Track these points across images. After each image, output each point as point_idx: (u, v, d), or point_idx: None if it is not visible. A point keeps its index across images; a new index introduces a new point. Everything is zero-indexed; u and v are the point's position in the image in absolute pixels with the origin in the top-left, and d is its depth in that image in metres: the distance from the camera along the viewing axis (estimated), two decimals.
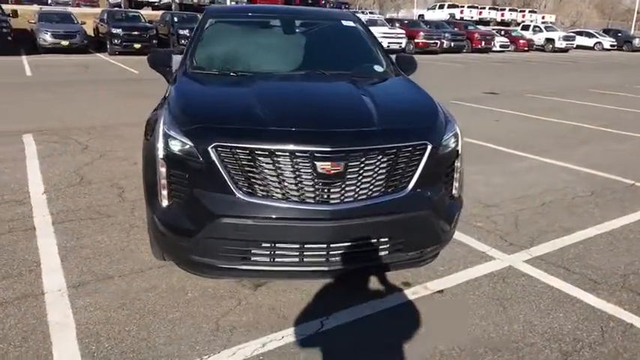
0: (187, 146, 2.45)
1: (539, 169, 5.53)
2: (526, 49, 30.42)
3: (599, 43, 35.98)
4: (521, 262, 3.32)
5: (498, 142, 6.63)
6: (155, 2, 27.85)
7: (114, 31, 17.66)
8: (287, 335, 2.48)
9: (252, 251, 2.48)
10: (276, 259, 2.49)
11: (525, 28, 33.47)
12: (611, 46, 35.58)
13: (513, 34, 31.33)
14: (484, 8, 39.85)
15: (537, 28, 33.02)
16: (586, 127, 8.00)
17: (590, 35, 36.91)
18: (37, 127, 6.61)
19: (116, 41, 17.57)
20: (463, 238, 3.62)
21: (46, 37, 16.91)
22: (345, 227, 2.43)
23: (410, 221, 2.57)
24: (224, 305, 2.71)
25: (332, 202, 2.42)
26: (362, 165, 2.43)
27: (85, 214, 3.89)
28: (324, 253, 2.47)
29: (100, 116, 7.50)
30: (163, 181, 2.53)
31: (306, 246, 2.46)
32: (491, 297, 2.90)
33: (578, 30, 39.21)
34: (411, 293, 2.90)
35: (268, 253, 2.48)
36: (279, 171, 2.37)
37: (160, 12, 23.44)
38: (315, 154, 2.35)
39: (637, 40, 36.19)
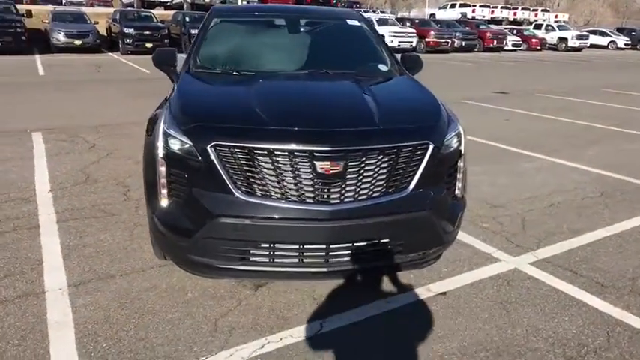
0: (187, 145, 2.44)
1: (549, 170, 5.44)
2: (538, 48, 30.07)
3: (613, 42, 35.43)
4: (527, 265, 3.26)
5: (507, 142, 6.54)
6: (167, 2, 28.07)
7: (126, 30, 17.81)
8: (285, 337, 2.45)
9: (251, 251, 2.46)
10: (276, 260, 2.47)
11: (538, 27, 33.08)
12: (625, 45, 35.02)
13: (525, 33, 31.00)
14: (496, 7, 39.47)
15: (550, 27, 32.62)
16: (597, 127, 7.86)
17: (603, 34, 36.37)
18: (46, 125, 6.68)
19: (128, 41, 17.72)
20: (468, 239, 3.57)
21: (60, 37, 17.12)
22: (344, 228, 2.40)
23: (411, 222, 2.53)
24: (224, 305, 2.70)
25: (331, 202, 2.39)
26: (362, 165, 2.39)
27: (89, 212, 3.91)
28: (324, 254, 2.45)
29: (110, 115, 7.56)
30: (163, 181, 2.53)
31: (305, 246, 2.43)
32: (495, 300, 2.84)
33: (591, 29, 38.66)
34: (413, 295, 2.86)
35: (267, 253, 2.46)
36: (278, 171, 2.35)
37: (172, 12, 23.61)
38: (315, 154, 2.32)
39: None
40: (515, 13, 39.89)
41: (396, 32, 23.30)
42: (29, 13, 19.14)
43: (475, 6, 38.12)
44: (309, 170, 2.33)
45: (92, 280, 2.92)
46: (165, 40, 18.19)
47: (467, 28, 27.14)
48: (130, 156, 5.38)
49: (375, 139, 2.43)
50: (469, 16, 35.94)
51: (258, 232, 2.40)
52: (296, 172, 2.34)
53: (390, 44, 22.22)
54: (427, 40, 24.18)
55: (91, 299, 2.73)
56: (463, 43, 25.50)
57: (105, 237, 3.48)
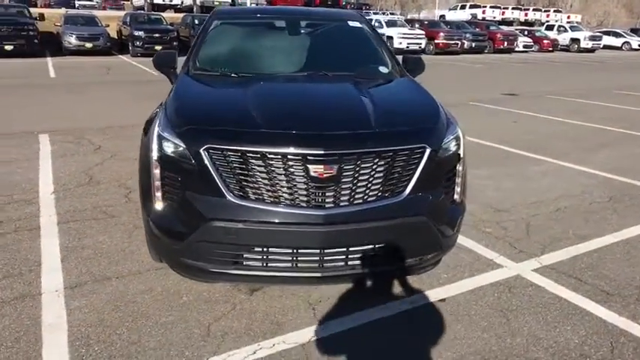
0: (180, 148, 2.42)
1: (556, 173, 5.34)
2: (550, 49, 29.71)
3: (627, 42, 34.88)
4: (530, 271, 3.18)
5: (514, 145, 6.43)
6: (177, 5, 28.30)
7: (136, 33, 17.99)
8: (279, 343, 2.42)
9: (245, 255, 2.43)
10: (269, 264, 2.43)
11: (549, 28, 32.70)
12: (639, 45, 34.43)
13: (537, 34, 30.65)
14: (507, 8, 39.11)
15: (562, 28, 32.22)
16: (608, 130, 7.71)
17: (617, 35, 35.82)
18: (54, 127, 6.74)
19: (138, 43, 17.88)
20: (470, 245, 3.50)
21: (71, 40, 17.34)
22: (339, 232, 2.36)
23: (408, 227, 2.47)
24: (218, 310, 2.67)
25: (326, 206, 2.35)
26: (357, 168, 2.35)
27: (90, 214, 3.92)
28: (318, 259, 2.40)
29: (117, 117, 7.60)
30: (157, 183, 2.51)
31: (299, 251, 2.39)
32: (495, 307, 2.77)
33: (605, 30, 38.09)
34: (410, 302, 2.80)
35: (261, 257, 2.42)
36: (271, 174, 2.32)
37: (182, 14, 23.78)
38: (308, 157, 2.28)
39: None
40: (526, 14, 39.48)
41: (404, 34, 23.19)
42: (42, 17, 19.43)
43: (485, 7, 37.83)
44: (302, 174, 2.29)
45: (88, 282, 2.92)
46: (175, 43, 18.31)
47: (477, 29, 26.93)
48: (134, 157, 5.33)
49: (370, 142, 2.39)
50: (479, 17, 35.68)
51: (252, 236, 2.37)
52: (289, 176, 2.30)
53: (398, 46, 22.20)
54: (436, 41, 24.02)
55: (86, 302, 2.72)
56: (473, 45, 25.30)
57: (104, 239, 3.48)
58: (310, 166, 2.28)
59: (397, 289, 2.91)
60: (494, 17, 36.26)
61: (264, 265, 2.43)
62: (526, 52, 28.13)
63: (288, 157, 2.29)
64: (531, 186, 4.89)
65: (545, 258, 3.37)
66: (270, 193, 2.33)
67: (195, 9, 25.85)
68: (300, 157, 2.28)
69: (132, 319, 2.58)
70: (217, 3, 25.27)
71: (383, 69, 3.57)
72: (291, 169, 2.30)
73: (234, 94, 2.92)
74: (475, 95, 10.65)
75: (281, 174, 2.31)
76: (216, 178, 2.34)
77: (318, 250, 2.38)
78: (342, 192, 2.35)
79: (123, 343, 2.38)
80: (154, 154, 2.51)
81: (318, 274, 2.45)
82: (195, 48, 3.57)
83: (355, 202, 2.38)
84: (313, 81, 3.24)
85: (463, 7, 38.89)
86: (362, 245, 2.44)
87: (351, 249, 2.42)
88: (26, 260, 3.16)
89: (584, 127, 7.89)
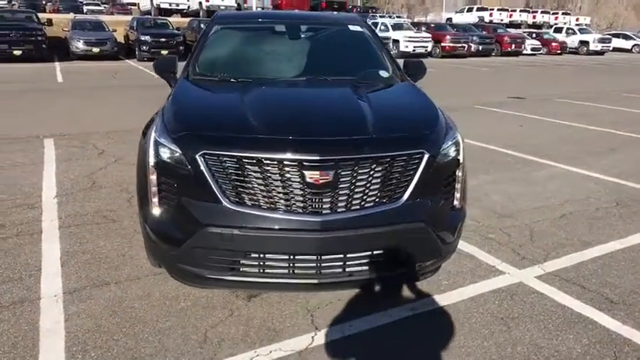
0: (176, 154, 2.41)
1: (562, 178, 5.27)
2: (559, 52, 29.50)
3: (637, 45, 34.54)
4: (533, 278, 3.13)
5: (520, 149, 6.37)
6: (184, 10, 28.50)
7: (142, 37, 18.13)
8: (275, 350, 2.39)
9: (241, 262, 2.41)
10: (266, 271, 2.42)
11: (558, 30, 32.50)
12: None
13: (545, 36, 30.46)
14: (515, 11, 38.88)
15: (571, 31, 32.01)
16: (616, 134, 7.62)
17: (627, 37, 35.50)
18: (60, 131, 6.79)
19: (144, 48, 18.02)
20: (472, 251, 3.46)
21: (79, 45, 17.51)
22: (336, 239, 2.34)
23: (406, 233, 2.44)
24: (215, 316, 2.65)
25: (323, 212, 2.33)
26: (354, 174, 2.33)
27: (91, 218, 3.93)
28: (315, 265, 2.38)
29: (122, 121, 7.64)
30: (154, 189, 2.51)
31: (296, 257, 2.37)
32: (496, 315, 2.73)
33: (614, 32, 37.75)
34: (409, 309, 2.76)
35: (257, 264, 2.41)
36: (267, 180, 2.30)
37: (189, 19, 23.94)
38: (304, 163, 2.26)
39: None
40: (534, 17, 39.25)
41: (410, 37, 23.14)
42: (50, 22, 19.68)
43: (493, 9, 37.66)
44: (298, 180, 2.28)
45: (87, 287, 2.92)
46: (181, 47, 18.44)
47: (484, 32, 26.81)
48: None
49: (367, 147, 2.37)
50: (487, 19, 35.52)
51: (248, 242, 2.35)
52: (285, 182, 2.29)
53: (404, 49, 22.16)
54: (443, 44, 23.96)
55: (84, 307, 2.71)
56: (480, 48, 25.19)
57: (104, 244, 3.48)
58: (306, 172, 2.26)
59: (397, 295, 2.88)
60: (502, 20, 36.07)
61: (261, 271, 2.41)
62: (534, 54, 27.94)
63: (284, 163, 2.27)
64: (536, 191, 4.83)
65: (548, 265, 3.32)
66: (266, 199, 2.32)
67: (201, 13, 26.01)
68: (295, 163, 2.27)
69: (129, 324, 2.57)
70: (223, 7, 25.43)
71: (383, 73, 3.54)
72: (287, 175, 2.28)
73: (231, 100, 2.91)
74: (481, 98, 10.59)
75: (277, 180, 2.30)
76: (212, 183, 2.33)
77: (315, 257, 2.36)
78: (339, 198, 2.33)
79: (119, 349, 2.37)
80: (151, 160, 2.50)
81: (316, 281, 2.43)
82: (195, 53, 3.57)
83: (352, 208, 2.36)
84: (312, 86, 3.22)
85: (470, 10, 38.74)
86: (359, 251, 2.41)
87: (348, 255, 2.40)
88: (27, 265, 3.17)
89: (592, 131, 7.80)
